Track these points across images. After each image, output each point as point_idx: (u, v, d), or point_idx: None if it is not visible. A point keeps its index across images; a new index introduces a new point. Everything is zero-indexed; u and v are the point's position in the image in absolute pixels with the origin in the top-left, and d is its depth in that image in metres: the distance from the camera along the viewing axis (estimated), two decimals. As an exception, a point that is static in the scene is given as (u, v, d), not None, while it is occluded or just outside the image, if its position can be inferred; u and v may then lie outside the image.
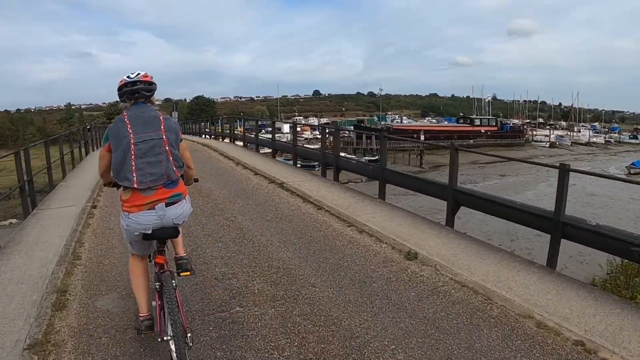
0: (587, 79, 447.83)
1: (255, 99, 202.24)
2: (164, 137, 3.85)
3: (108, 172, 4.01)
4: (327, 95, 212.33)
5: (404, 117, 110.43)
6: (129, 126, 3.80)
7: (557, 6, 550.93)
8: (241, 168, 15.39)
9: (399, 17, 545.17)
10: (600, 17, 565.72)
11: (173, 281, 3.85)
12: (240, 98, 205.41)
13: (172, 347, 3.63)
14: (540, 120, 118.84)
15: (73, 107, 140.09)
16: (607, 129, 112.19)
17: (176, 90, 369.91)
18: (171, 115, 67.62)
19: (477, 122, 75.56)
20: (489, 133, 71.58)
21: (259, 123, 25.54)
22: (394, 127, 68.46)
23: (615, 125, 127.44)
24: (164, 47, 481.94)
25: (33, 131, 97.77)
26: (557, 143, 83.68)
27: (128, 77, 3.97)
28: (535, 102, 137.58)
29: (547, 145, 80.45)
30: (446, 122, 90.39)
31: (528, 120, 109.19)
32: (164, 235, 3.94)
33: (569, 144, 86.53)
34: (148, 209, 3.80)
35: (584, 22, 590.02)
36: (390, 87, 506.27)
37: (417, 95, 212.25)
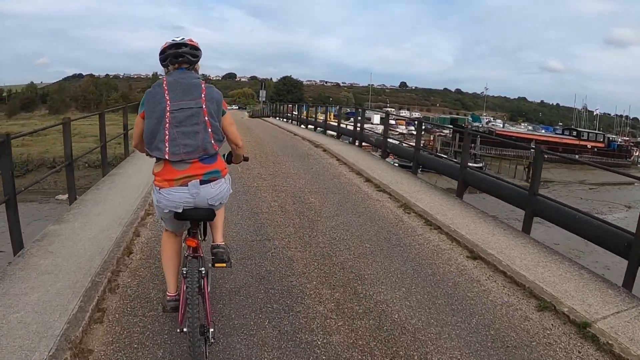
0: None
1: (341, 84, 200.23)
2: (204, 106, 3.46)
3: (142, 141, 3.59)
4: (413, 88, 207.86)
5: (499, 121, 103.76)
6: (166, 92, 3.43)
7: None
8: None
9: (495, 14, 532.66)
10: None
11: (201, 268, 3.45)
12: (325, 82, 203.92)
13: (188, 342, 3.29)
14: (632, 138, 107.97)
15: (160, 77, 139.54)
16: None
17: (263, 69, 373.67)
18: (259, 94, 66.93)
19: (584, 135, 66.88)
20: (595, 149, 63.41)
21: (347, 111, 23.60)
22: (497, 131, 62.28)
23: None
24: (255, 25, 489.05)
25: (116, 97, 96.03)
26: None
27: (173, 39, 3.60)
28: (627, 117, 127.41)
29: None
30: (543, 131, 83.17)
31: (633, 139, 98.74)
32: (196, 216, 3.55)
33: None
34: (180, 185, 3.43)
35: None
36: (478, 86, 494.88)
37: (505, 97, 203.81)
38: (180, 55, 3.56)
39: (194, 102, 3.45)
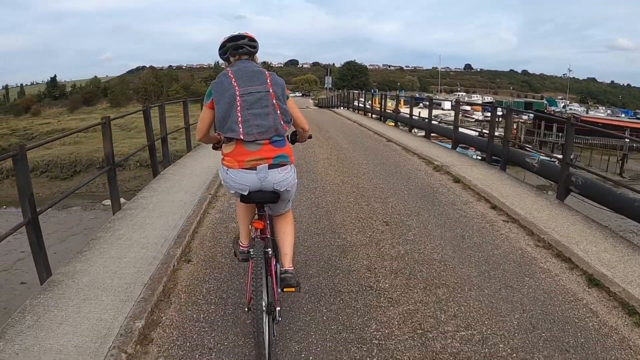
0: None
1: (405, 68, 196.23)
2: (271, 90, 3.50)
3: (208, 133, 3.71)
4: (478, 70, 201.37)
5: (575, 104, 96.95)
6: (233, 80, 3.46)
7: None
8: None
9: None
10: None
11: (268, 249, 3.47)
12: (389, 66, 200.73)
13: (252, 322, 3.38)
14: None
15: (222, 66, 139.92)
16: None
17: (325, 55, 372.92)
18: (323, 80, 64.59)
19: None
20: None
21: (416, 96, 20.53)
22: (582, 117, 56.75)
23: None
24: (315, 11, 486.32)
25: (177, 87, 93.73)
26: None
27: (231, 34, 3.68)
28: None
29: None
30: (623, 115, 76.33)
31: None
32: (262, 199, 3.54)
33: None
34: (249, 168, 3.44)
35: None
36: (545, 67, 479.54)
37: (573, 78, 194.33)
38: (239, 47, 3.63)
39: (262, 87, 3.49)
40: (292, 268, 3.69)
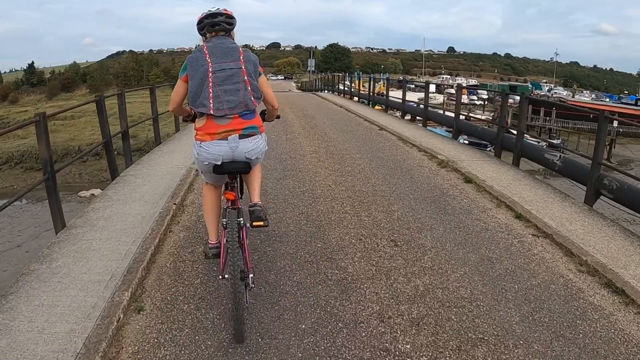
0: None
1: (388, 51, 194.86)
2: (243, 67, 3.63)
3: (181, 105, 3.86)
4: (461, 53, 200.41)
5: (560, 88, 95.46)
6: (207, 56, 3.60)
7: None
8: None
9: None
10: None
11: (240, 219, 3.53)
12: (372, 49, 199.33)
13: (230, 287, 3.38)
14: None
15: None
16: None
17: (308, 38, 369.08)
18: (306, 63, 62.64)
19: None
20: None
21: (399, 79, 19.38)
22: (568, 101, 55.52)
23: None
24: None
25: (157, 72, 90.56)
26: None
27: (209, 10, 3.74)
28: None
29: None
30: (607, 100, 75.28)
31: None
32: (234, 168, 3.69)
33: None
34: (220, 139, 3.58)
35: None
36: (529, 50, 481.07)
37: (557, 62, 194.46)
38: (216, 24, 3.70)
39: (234, 63, 3.60)
40: (260, 202, 3.83)
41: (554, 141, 39.48)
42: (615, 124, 45.19)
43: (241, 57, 3.65)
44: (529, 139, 11.20)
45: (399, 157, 9.56)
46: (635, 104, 60.93)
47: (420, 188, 7.38)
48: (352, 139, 11.56)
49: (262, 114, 4.14)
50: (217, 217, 4.01)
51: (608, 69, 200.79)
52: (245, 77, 3.62)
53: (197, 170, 4.04)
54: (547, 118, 44.99)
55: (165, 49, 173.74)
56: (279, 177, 7.76)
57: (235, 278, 3.21)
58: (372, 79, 24.34)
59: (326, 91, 36.07)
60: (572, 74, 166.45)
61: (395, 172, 8.33)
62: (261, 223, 3.65)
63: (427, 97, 15.42)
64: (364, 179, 7.74)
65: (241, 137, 3.60)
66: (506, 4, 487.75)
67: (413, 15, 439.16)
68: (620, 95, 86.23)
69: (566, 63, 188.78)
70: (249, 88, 3.62)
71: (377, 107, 21.81)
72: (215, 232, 4.00)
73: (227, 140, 3.57)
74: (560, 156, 8.36)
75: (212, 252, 3.95)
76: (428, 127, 14.96)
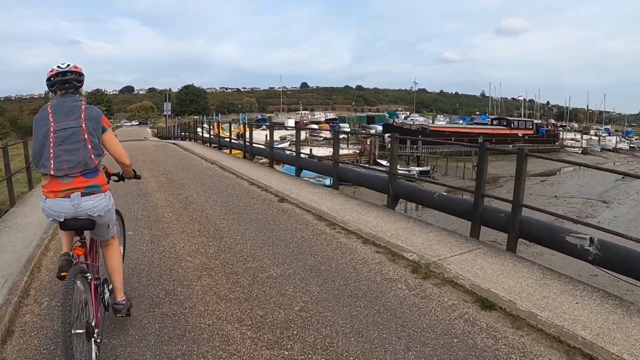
0: (573, 78, 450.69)
1: (242, 90, 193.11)
2: (83, 125, 3.62)
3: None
4: (315, 87, 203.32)
5: (415, 114, 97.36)
6: (50, 115, 3.61)
7: (548, 6, 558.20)
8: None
9: (391, 10, 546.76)
10: (592, 18, 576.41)
11: (87, 275, 3.59)
12: (226, 89, 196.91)
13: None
14: (552, 121, 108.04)
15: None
16: (620, 133, 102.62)
17: (161, 80, 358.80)
18: (164, 106, 57.30)
19: (514, 124, 63.75)
20: (526, 137, 61.43)
21: (258, 117, 16.99)
22: (430, 127, 57.50)
23: (630, 129, 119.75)
24: (152, 35, 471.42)
25: (2, 121, 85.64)
26: (589, 149, 72.94)
27: (59, 67, 3.73)
28: (524, 99, 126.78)
29: (579, 152, 69.60)
30: (461, 122, 79.50)
31: (559, 123, 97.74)
32: (77, 225, 3.68)
33: (599, 150, 75.73)
34: (64, 197, 3.57)
35: (574, 21, 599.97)
36: (379, 81, 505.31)
37: (405, 90, 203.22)
38: (66, 82, 3.68)
39: (75, 121, 3.59)
40: (123, 298, 4.05)
41: (424, 168, 38.76)
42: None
43: (82, 115, 3.63)
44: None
45: (327, 253, 5.82)
46: (492, 124, 65.12)
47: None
48: (255, 228, 7.56)
49: (122, 173, 4.30)
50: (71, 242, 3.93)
51: (454, 92, 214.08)
52: (86, 136, 3.60)
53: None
54: (415, 146, 44.59)
55: (14, 95, 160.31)
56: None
57: (66, 333, 3.06)
58: (246, 125, 20.47)
59: (188, 139, 31.80)
60: (421, 100, 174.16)
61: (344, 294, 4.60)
62: (122, 315, 4.01)
63: (272, 137, 15.60)
64: (288, 311, 3.92)
65: (83, 195, 3.60)
66: (354, 39, 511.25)
67: (265, 53, 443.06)
68: (472, 116, 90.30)
69: (414, 90, 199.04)
70: (89, 146, 3.60)
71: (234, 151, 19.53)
72: (68, 245, 3.92)
73: (69, 198, 3.56)
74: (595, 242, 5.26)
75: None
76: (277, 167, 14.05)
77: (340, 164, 11.43)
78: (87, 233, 3.83)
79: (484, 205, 7.12)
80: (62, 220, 3.58)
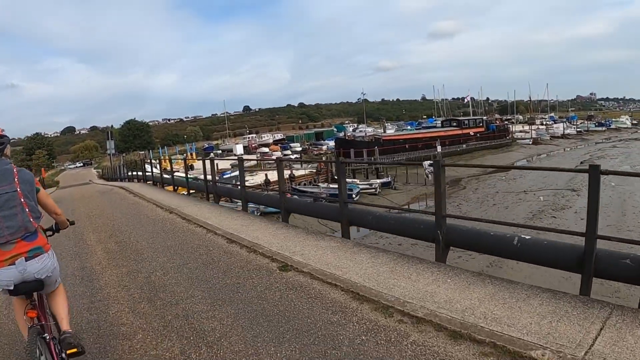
0: (511, 72, 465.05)
1: (185, 119, 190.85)
2: (18, 189, 3.60)
3: None
4: (257, 110, 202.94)
5: (362, 125, 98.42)
6: None
7: (472, 6, 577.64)
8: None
9: (321, 26, 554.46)
10: (516, 14, 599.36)
11: (45, 335, 3.56)
12: (169, 120, 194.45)
13: None
14: (497, 115, 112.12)
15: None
16: (565, 119, 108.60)
17: (103, 117, 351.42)
18: (107, 145, 55.42)
19: (465, 124, 66.28)
20: (477, 135, 63.30)
21: (205, 146, 16.49)
22: (383, 137, 59.04)
23: (572, 114, 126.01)
24: (89, 72, 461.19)
25: None
26: (539, 139, 77.94)
27: None
28: (472, 99, 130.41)
29: (530, 142, 74.36)
30: (409, 127, 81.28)
31: (504, 117, 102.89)
32: (27, 289, 3.63)
33: (549, 138, 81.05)
34: (9, 264, 3.49)
35: (500, 19, 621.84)
36: (320, 96, 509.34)
37: (347, 102, 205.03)
38: None
39: (9, 186, 3.56)
40: (70, 330, 3.82)
41: (385, 180, 38.69)
42: (438, 148, 48.30)
43: (16, 179, 3.61)
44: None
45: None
46: (442, 126, 67.15)
47: None
48: (244, 313, 5.15)
49: (56, 225, 4.23)
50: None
51: (395, 99, 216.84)
52: (22, 200, 3.57)
53: None
54: (372, 158, 44.85)
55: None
56: None
57: None
58: (211, 161, 17.71)
59: (136, 180, 29.27)
60: (364, 110, 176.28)
61: None
62: (74, 350, 3.64)
63: (213, 172, 14.64)
64: None
65: (27, 259, 3.54)
66: (291, 57, 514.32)
67: (204, 80, 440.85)
68: (419, 120, 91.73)
69: (356, 101, 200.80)
70: (27, 210, 3.58)
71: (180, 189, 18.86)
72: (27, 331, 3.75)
73: (15, 264, 3.50)
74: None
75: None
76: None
77: (289, 193, 11.58)
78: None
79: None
80: (11, 288, 3.52)
